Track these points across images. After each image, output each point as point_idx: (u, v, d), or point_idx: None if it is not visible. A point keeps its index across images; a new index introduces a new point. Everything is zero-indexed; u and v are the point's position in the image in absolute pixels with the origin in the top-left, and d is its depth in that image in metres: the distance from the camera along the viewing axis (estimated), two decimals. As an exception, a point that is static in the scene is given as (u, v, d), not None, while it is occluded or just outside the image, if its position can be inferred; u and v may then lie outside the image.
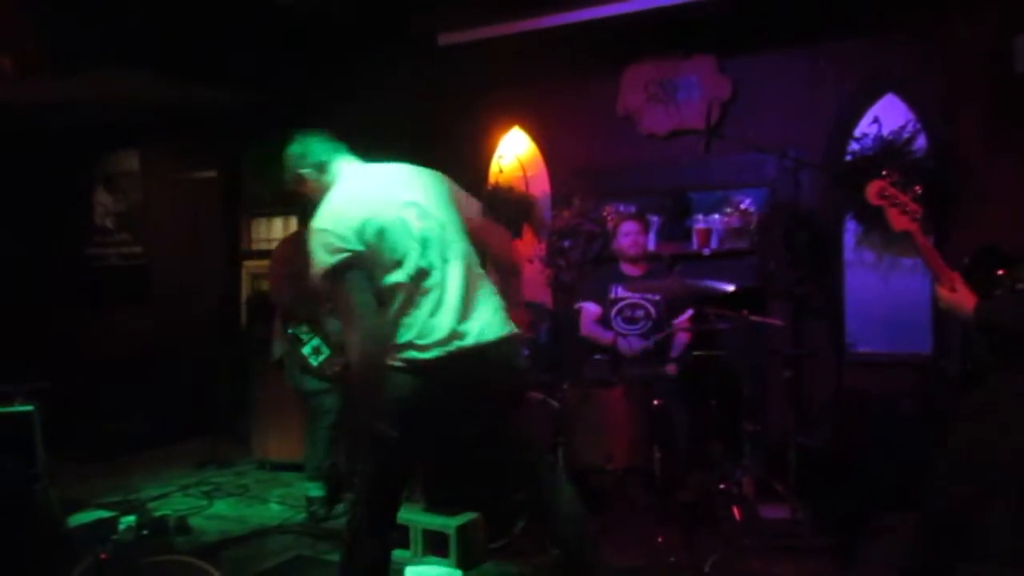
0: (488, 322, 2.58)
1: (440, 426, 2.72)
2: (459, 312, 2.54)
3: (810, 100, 4.86)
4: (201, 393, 6.05)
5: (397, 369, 2.52)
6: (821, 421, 4.55)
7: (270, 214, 6.57)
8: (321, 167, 2.74)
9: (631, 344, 4.35)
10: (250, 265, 6.60)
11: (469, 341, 2.52)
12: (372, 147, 6.08)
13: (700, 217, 5.05)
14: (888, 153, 4.49)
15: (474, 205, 2.86)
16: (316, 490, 4.39)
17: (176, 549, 3.81)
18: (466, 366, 2.53)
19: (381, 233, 2.51)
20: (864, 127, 4.69)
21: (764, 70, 4.99)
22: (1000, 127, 4.25)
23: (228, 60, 5.42)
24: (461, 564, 3.49)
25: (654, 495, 3.84)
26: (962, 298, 2.52)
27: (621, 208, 5.17)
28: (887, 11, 4.56)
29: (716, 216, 5.00)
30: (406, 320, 2.52)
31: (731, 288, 3.97)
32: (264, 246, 6.56)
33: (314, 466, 4.40)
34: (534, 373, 4.50)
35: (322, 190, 2.69)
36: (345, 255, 2.47)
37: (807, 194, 4.74)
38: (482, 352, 2.54)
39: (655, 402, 3.83)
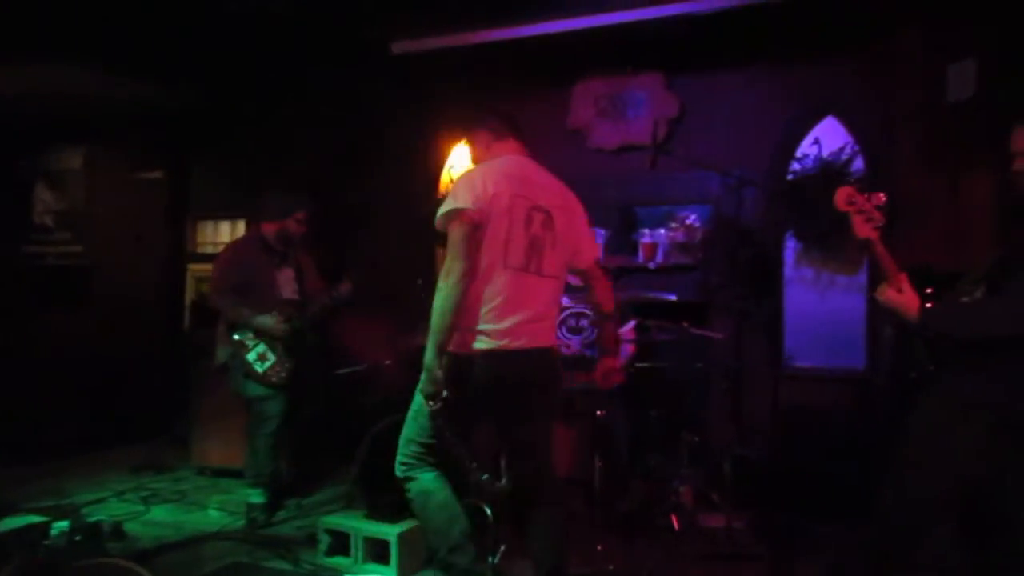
0: (542, 334, 2.81)
1: (490, 412, 2.86)
2: (530, 317, 2.75)
3: (754, 120, 4.99)
4: (141, 397, 5.95)
5: (467, 354, 2.70)
6: (759, 433, 4.65)
7: (217, 217, 6.50)
8: (496, 135, 2.99)
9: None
10: (195, 268, 6.52)
11: (525, 343, 2.73)
12: (322, 152, 6.09)
13: (647, 231, 5.14)
14: (827, 173, 4.64)
15: (594, 249, 3.12)
16: (257, 496, 4.34)
17: (109, 555, 3.73)
18: (522, 363, 2.73)
19: (508, 214, 2.71)
20: (805, 148, 4.84)
21: (711, 90, 5.11)
22: (934, 152, 4.42)
23: (178, 61, 5.36)
24: (402, 571, 3.49)
25: (594, 505, 3.89)
26: (908, 300, 2.56)
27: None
28: (830, 37, 4.71)
29: (662, 231, 5.09)
30: (488, 306, 2.70)
31: (673, 298, 4.05)
32: (210, 249, 6.48)
33: (254, 472, 4.35)
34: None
35: (487, 156, 2.96)
36: (470, 205, 2.65)
37: (750, 211, 4.85)
38: (534, 355, 2.76)
39: (597, 412, 3.88)
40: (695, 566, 3.58)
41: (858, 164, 4.69)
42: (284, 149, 6.11)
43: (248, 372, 4.26)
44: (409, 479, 2.86)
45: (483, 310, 2.70)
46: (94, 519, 4.10)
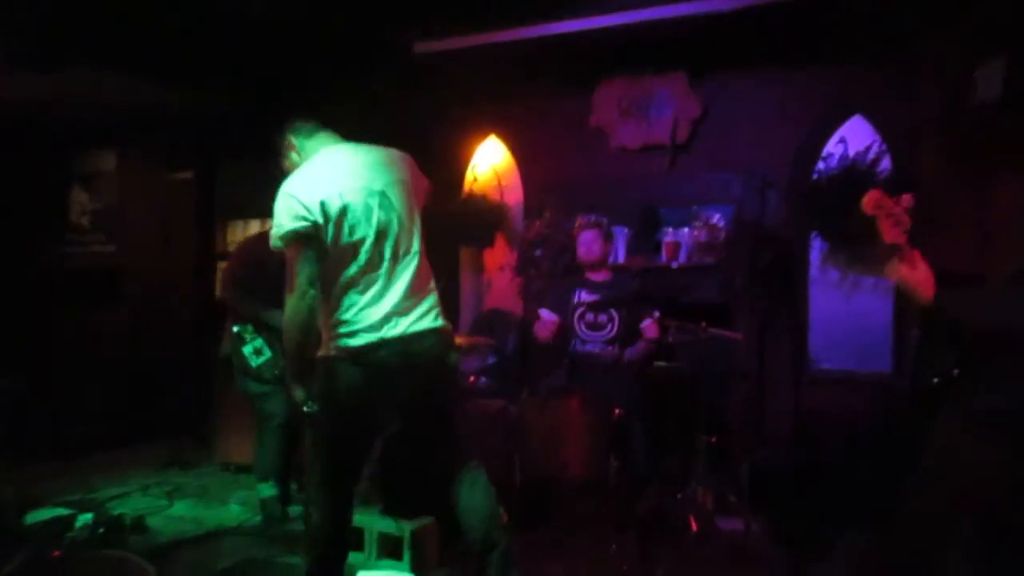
0: (420, 316, 2.72)
1: (375, 415, 2.84)
2: (395, 305, 2.67)
3: (779, 120, 4.93)
4: (168, 394, 6.03)
5: (334, 358, 2.65)
6: (780, 436, 4.59)
7: (245, 216, 6.57)
8: (307, 136, 2.88)
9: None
10: (224, 267, 6.59)
11: (397, 331, 2.66)
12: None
13: (669, 230, 5.10)
14: (852, 174, 4.56)
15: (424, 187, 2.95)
16: (268, 490, 4.36)
17: (130, 548, 3.79)
18: (394, 354, 2.65)
19: (343, 213, 2.62)
20: (831, 147, 4.76)
21: (735, 89, 5.06)
22: (962, 154, 4.32)
23: (205, 65, 5.44)
24: (415, 568, 3.49)
25: (610, 505, 3.86)
26: (922, 277, 2.37)
27: (592, 220, 5.20)
28: (858, 36, 4.63)
29: (685, 230, 5.05)
30: (345, 304, 2.64)
31: (694, 296, 4.00)
32: (238, 249, 6.55)
33: (262, 468, 4.37)
34: (499, 381, 4.53)
35: (301, 160, 2.83)
36: (305, 224, 2.57)
37: (774, 212, 4.80)
38: (409, 342, 2.67)
39: (614, 412, 3.85)
40: (711, 570, 3.54)
41: (885, 164, 4.61)
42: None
43: (243, 366, 4.29)
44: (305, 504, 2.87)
45: (354, 311, 2.65)
46: (117, 513, 4.17)
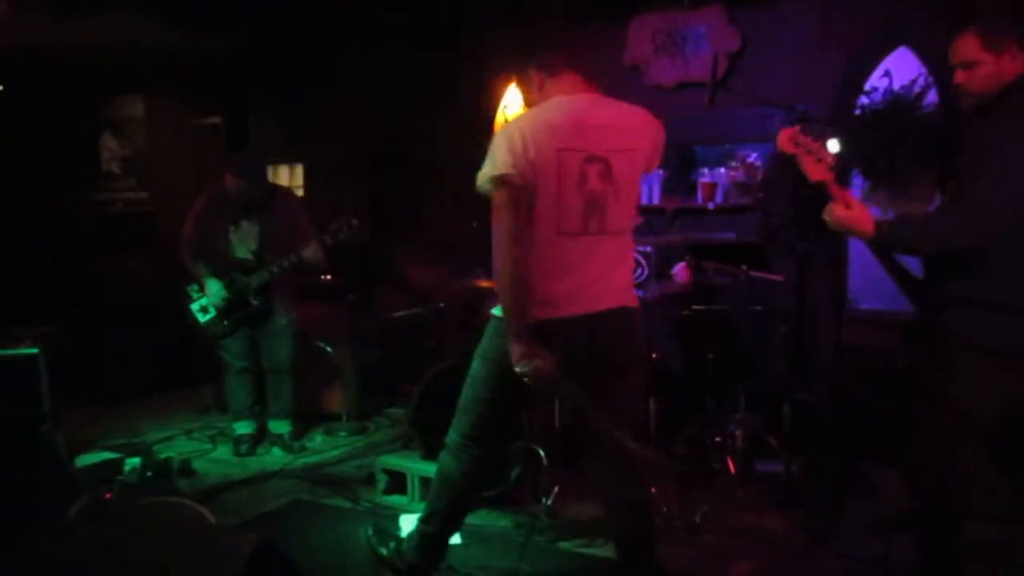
0: (614, 293, 2.56)
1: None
2: (590, 282, 2.50)
3: (820, 52, 4.76)
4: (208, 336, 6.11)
5: (536, 324, 2.47)
6: (820, 376, 4.56)
7: (274, 161, 6.55)
8: (551, 73, 2.64)
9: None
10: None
11: (585, 309, 2.49)
12: (376, 95, 6.07)
13: (705, 171, 5.00)
14: (897, 108, 4.42)
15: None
16: (241, 428, 4.64)
17: (179, 491, 3.89)
18: (576, 333, 2.49)
19: (556, 173, 2.43)
20: (874, 80, 4.61)
21: (775, 21, 4.88)
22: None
23: (230, 6, 5.36)
24: (456, 510, 3.54)
25: (648, 447, 3.87)
26: (858, 215, 2.40)
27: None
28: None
29: (721, 170, 4.95)
30: (538, 270, 2.46)
31: (730, 237, 3.94)
32: (269, 193, 6.55)
33: (233, 409, 4.68)
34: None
35: (536, 102, 2.64)
36: (512, 173, 2.39)
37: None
38: (596, 320, 2.51)
39: (652, 355, 3.83)
40: (750, 511, 3.56)
41: (931, 98, 4.45)
42: (338, 93, 6.11)
43: (192, 322, 4.52)
44: (449, 448, 2.77)
45: (542, 279, 2.47)
46: (164, 456, 4.27)
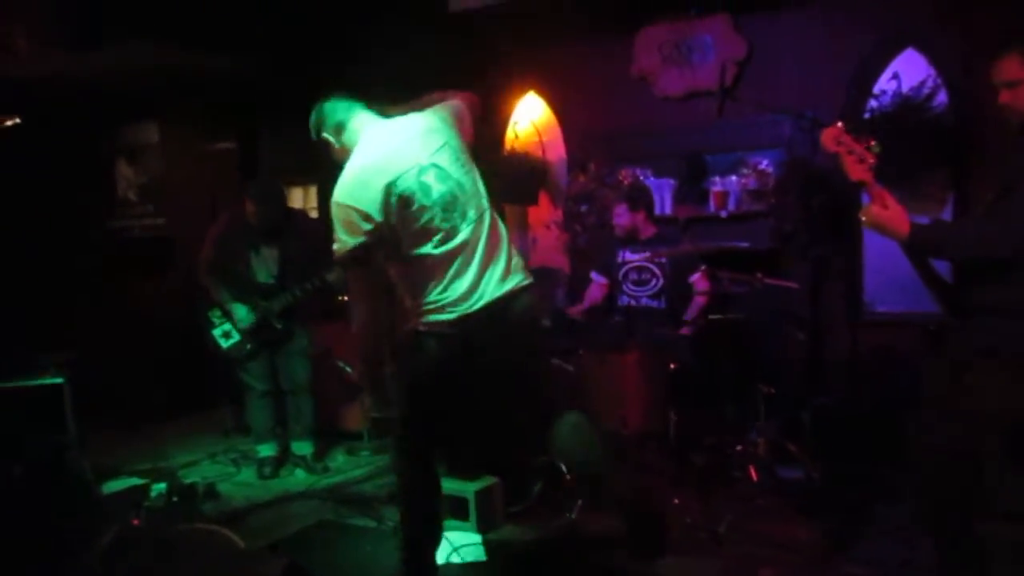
0: (502, 277, 2.66)
1: (467, 387, 2.86)
2: (478, 273, 2.62)
3: (828, 57, 4.78)
4: (230, 361, 6.16)
5: (423, 333, 2.63)
6: (837, 382, 4.56)
7: (288, 184, 6.61)
8: (339, 129, 2.76)
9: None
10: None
11: (485, 300, 2.61)
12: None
13: (717, 179, 5.02)
14: (907, 110, 4.43)
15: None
16: (265, 450, 4.67)
17: (205, 515, 3.92)
18: (483, 323, 2.60)
19: (404, 202, 2.55)
20: (883, 83, 4.62)
21: (781, 28, 4.91)
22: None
23: (242, 30, 5.43)
24: (480, 527, 3.57)
25: (670, 458, 3.89)
26: (895, 216, 2.38)
27: (636, 172, 5.15)
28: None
29: (733, 178, 4.96)
30: (431, 285, 2.60)
31: (745, 245, 3.96)
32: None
33: (255, 432, 4.72)
34: (550, 337, 4.55)
35: (346, 153, 2.73)
36: (365, 237, 2.54)
37: (825, 153, 4.68)
38: (498, 306, 2.62)
39: (670, 365, 3.85)
40: (773, 519, 3.55)
41: (940, 98, 4.46)
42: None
43: (214, 348, 4.56)
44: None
45: (436, 288, 2.61)
46: (189, 481, 4.31)
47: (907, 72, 4.58)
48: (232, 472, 4.72)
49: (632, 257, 4.46)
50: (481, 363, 2.71)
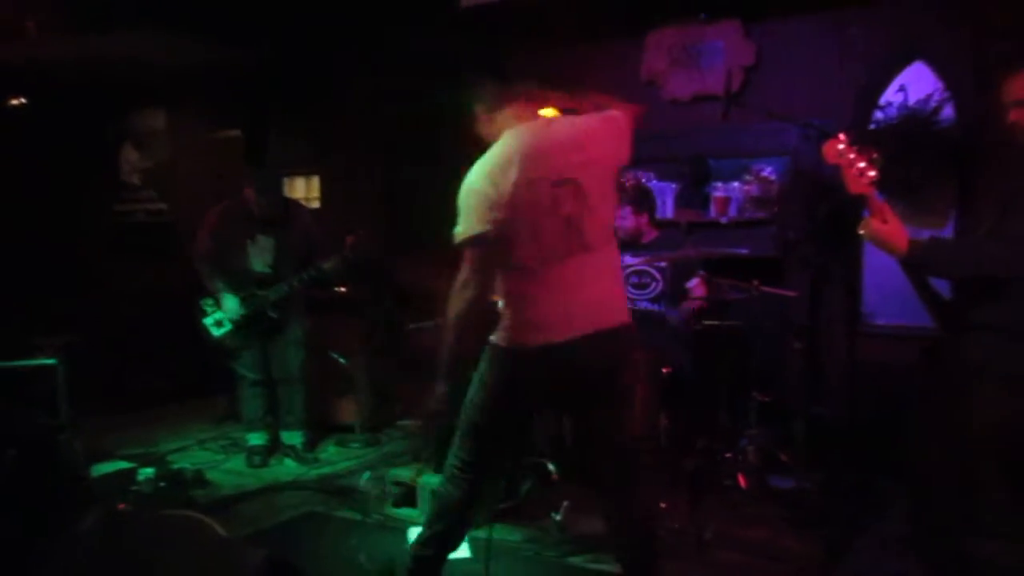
0: (607, 311, 2.51)
1: (533, 409, 2.76)
2: (578, 303, 2.47)
3: (836, 67, 4.74)
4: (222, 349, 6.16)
5: (503, 348, 2.51)
6: (834, 392, 4.53)
7: (293, 173, 6.61)
8: (491, 109, 2.65)
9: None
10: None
11: (579, 332, 2.44)
12: (395, 107, 6.09)
13: (719, 185, 4.99)
14: (913, 123, 4.40)
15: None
16: (254, 439, 4.66)
17: (193, 501, 3.92)
18: (568, 357, 2.45)
19: (528, 205, 2.42)
20: (890, 95, 4.59)
21: (790, 36, 4.88)
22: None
23: (252, 20, 5.42)
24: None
25: (660, 463, 3.86)
26: (894, 231, 2.38)
27: (640, 175, 5.13)
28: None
29: (736, 184, 4.94)
30: (523, 297, 2.49)
31: (744, 252, 3.94)
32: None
33: (247, 420, 4.71)
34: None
35: (492, 136, 2.61)
36: (488, 227, 2.42)
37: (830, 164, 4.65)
38: (591, 342, 2.46)
39: (664, 370, 3.83)
40: (761, 528, 3.53)
41: (947, 112, 4.43)
42: (358, 106, 6.16)
43: (206, 336, 4.56)
44: (446, 474, 2.71)
45: (530, 306, 2.48)
46: (178, 467, 4.31)
47: (914, 85, 4.55)
48: (222, 459, 4.72)
49: (632, 261, 4.42)
50: (556, 394, 2.59)
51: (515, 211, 2.42)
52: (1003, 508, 2.57)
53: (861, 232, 2.47)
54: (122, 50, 5.70)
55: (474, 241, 2.44)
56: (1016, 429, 2.38)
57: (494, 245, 2.44)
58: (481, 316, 2.56)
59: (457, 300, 2.48)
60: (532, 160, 2.45)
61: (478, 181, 2.47)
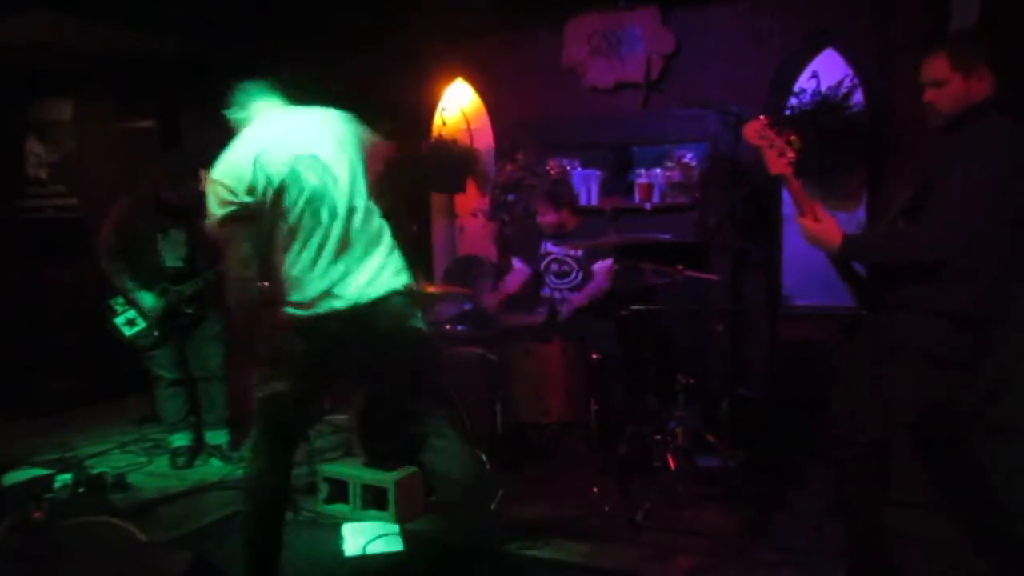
0: (374, 278, 2.59)
1: (324, 382, 2.86)
2: (337, 272, 2.56)
3: (753, 54, 4.86)
4: (136, 349, 5.97)
5: (285, 323, 2.62)
6: (756, 373, 4.65)
7: (208, 165, 6.41)
8: (241, 111, 2.77)
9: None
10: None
11: (343, 303, 2.55)
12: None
13: (642, 171, 5.06)
14: (825, 108, 4.53)
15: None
16: (177, 440, 4.54)
17: (113, 506, 3.78)
18: (344, 325, 2.56)
19: (271, 185, 2.53)
20: (803, 82, 4.72)
21: (708, 23, 4.97)
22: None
23: (163, 7, 5.23)
24: (400, 518, 3.53)
25: (591, 447, 3.91)
26: (827, 229, 2.48)
27: (564, 163, 5.16)
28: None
29: (658, 170, 5.01)
30: (290, 274, 2.58)
31: (668, 237, 4.00)
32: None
33: (166, 422, 4.57)
34: (476, 328, 4.53)
35: (240, 126, 2.73)
36: (232, 208, 2.51)
37: (748, 148, 4.74)
38: (363, 308, 2.55)
39: (592, 356, 3.86)
40: (690, 507, 3.61)
41: (857, 97, 4.58)
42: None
43: (118, 337, 4.39)
44: None
45: (291, 284, 2.58)
46: (97, 471, 4.15)
47: (826, 71, 4.69)
48: (144, 462, 4.57)
49: (553, 250, 4.45)
50: (345, 361, 2.69)
51: (259, 189, 2.53)
52: (918, 480, 2.69)
53: (801, 235, 2.56)
54: (24, 36, 5.43)
55: (220, 222, 2.56)
56: (933, 404, 2.48)
57: (244, 224, 2.56)
58: None
59: (235, 289, 2.61)
60: (275, 140, 2.59)
61: (217, 172, 2.58)
